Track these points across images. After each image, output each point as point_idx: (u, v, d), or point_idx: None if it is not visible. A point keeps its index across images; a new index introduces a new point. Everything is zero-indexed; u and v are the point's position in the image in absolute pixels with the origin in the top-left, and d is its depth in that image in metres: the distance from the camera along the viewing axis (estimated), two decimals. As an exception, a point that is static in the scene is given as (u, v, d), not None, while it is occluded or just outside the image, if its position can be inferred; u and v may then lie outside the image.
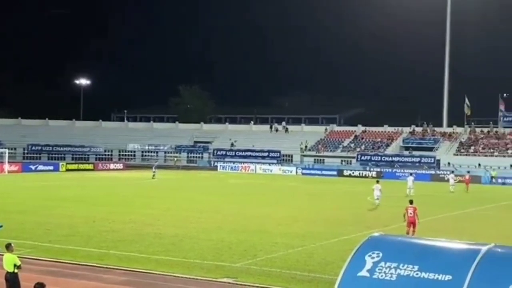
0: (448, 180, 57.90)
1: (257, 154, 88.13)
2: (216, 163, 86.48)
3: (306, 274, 17.59)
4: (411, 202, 25.88)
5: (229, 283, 16.63)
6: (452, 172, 63.02)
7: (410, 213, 25.01)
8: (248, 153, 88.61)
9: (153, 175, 61.59)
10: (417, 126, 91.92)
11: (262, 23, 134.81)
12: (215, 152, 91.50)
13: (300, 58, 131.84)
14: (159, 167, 71.53)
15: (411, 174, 56.78)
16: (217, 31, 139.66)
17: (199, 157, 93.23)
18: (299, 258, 20.09)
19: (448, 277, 8.05)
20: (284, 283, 16.53)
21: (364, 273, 8.60)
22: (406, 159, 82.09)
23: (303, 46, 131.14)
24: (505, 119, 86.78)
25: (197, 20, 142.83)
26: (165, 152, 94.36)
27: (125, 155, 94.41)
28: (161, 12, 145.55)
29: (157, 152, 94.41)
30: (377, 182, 39.79)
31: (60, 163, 75.89)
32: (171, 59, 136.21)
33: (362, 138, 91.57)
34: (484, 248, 8.51)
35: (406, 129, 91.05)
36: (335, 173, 78.27)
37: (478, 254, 8.32)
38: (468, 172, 64.71)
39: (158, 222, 28.05)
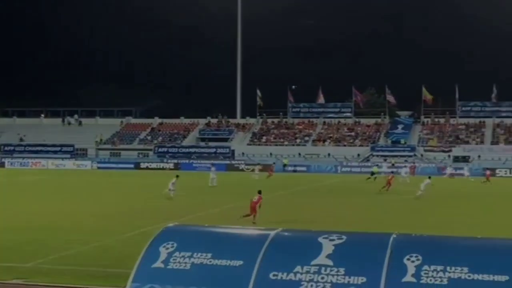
0: (243, 170, 60.37)
1: (48, 149, 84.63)
2: (3, 160, 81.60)
3: (102, 270, 17.22)
4: (259, 192, 27.31)
5: (18, 284, 15.73)
6: (259, 163, 66.24)
7: (254, 200, 26.51)
8: (39, 148, 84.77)
9: None
10: (212, 117, 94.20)
11: (57, 14, 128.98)
12: (2, 148, 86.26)
13: (95, 48, 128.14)
14: None
15: (213, 165, 58.70)
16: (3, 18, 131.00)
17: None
18: (95, 254, 19.62)
19: (239, 263, 8.33)
20: (77, 280, 15.99)
21: (158, 264, 8.64)
22: (202, 150, 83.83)
23: (95, 35, 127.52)
24: (293, 110, 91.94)
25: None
26: None
27: None
28: None
29: None
30: (177, 176, 39.66)
31: None
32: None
33: (159, 130, 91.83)
34: (272, 233, 8.91)
35: (202, 121, 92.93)
36: (132, 166, 77.67)
37: (267, 239, 8.70)
38: (274, 163, 70.42)
39: None
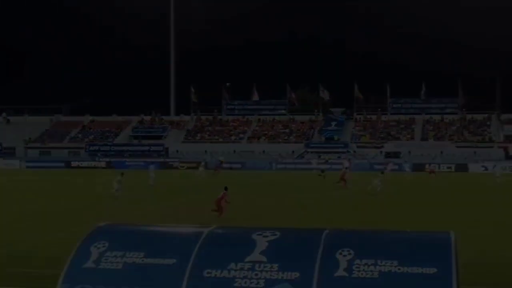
0: (178, 168, 59.99)
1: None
2: None
3: (30, 271, 16.76)
4: (225, 188, 28.78)
5: None
6: (205, 162, 65.93)
7: (219, 196, 27.91)
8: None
9: None
10: (145, 115, 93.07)
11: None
12: None
13: (21, 44, 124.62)
14: None
15: (151, 163, 58.20)
16: None
17: None
18: (23, 255, 19.08)
19: (172, 261, 8.25)
20: (4, 283, 15.51)
21: (90, 264, 8.47)
22: (135, 148, 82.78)
23: (22, 30, 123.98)
24: (228, 107, 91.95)
25: None
26: None
27: None
28: None
29: None
30: (122, 174, 39.00)
31: None
32: None
33: (90, 128, 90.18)
34: (206, 231, 8.87)
35: (135, 118, 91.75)
36: (62, 164, 75.99)
37: (200, 237, 8.65)
38: (222, 161, 68.90)
39: None
